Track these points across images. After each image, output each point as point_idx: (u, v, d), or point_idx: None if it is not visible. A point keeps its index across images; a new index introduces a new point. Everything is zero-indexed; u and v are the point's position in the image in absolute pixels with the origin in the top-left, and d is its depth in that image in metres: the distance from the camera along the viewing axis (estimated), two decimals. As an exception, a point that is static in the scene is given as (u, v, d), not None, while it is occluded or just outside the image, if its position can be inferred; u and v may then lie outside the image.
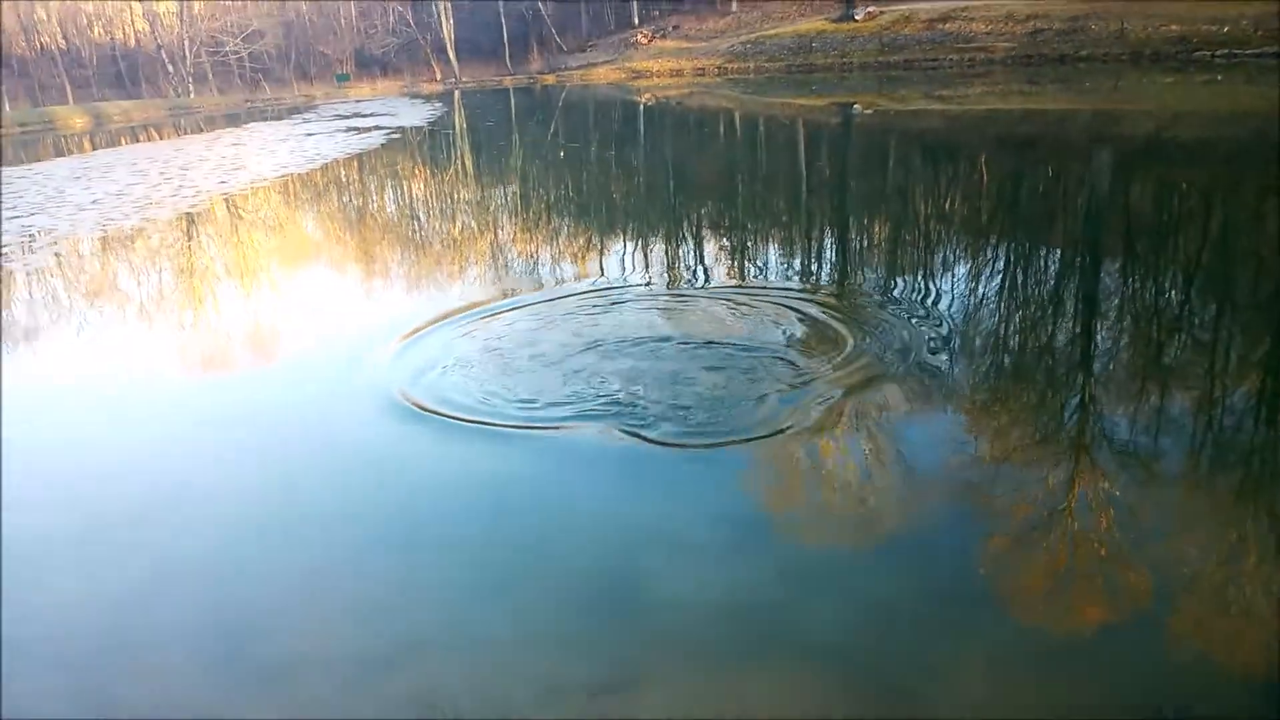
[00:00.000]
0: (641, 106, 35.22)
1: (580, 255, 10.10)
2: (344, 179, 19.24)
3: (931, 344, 6.03)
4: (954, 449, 4.63)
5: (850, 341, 6.11)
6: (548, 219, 13.07)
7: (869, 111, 25.40)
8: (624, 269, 9.06)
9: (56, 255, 12.10)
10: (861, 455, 4.60)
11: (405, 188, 17.43)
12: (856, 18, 46.70)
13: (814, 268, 8.89)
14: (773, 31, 51.93)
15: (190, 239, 12.99)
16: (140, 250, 12.30)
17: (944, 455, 4.58)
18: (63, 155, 29.01)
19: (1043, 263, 8.65)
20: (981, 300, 7.17)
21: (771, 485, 4.46)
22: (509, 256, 10.35)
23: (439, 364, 6.27)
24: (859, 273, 8.61)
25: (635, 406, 5.25)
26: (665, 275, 8.65)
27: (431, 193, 16.64)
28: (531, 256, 10.20)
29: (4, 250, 12.34)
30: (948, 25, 41.01)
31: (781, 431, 4.82)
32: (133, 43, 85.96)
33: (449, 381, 5.90)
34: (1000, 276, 8.01)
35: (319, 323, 8.29)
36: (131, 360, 7.49)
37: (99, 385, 6.90)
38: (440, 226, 13.56)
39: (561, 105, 40.14)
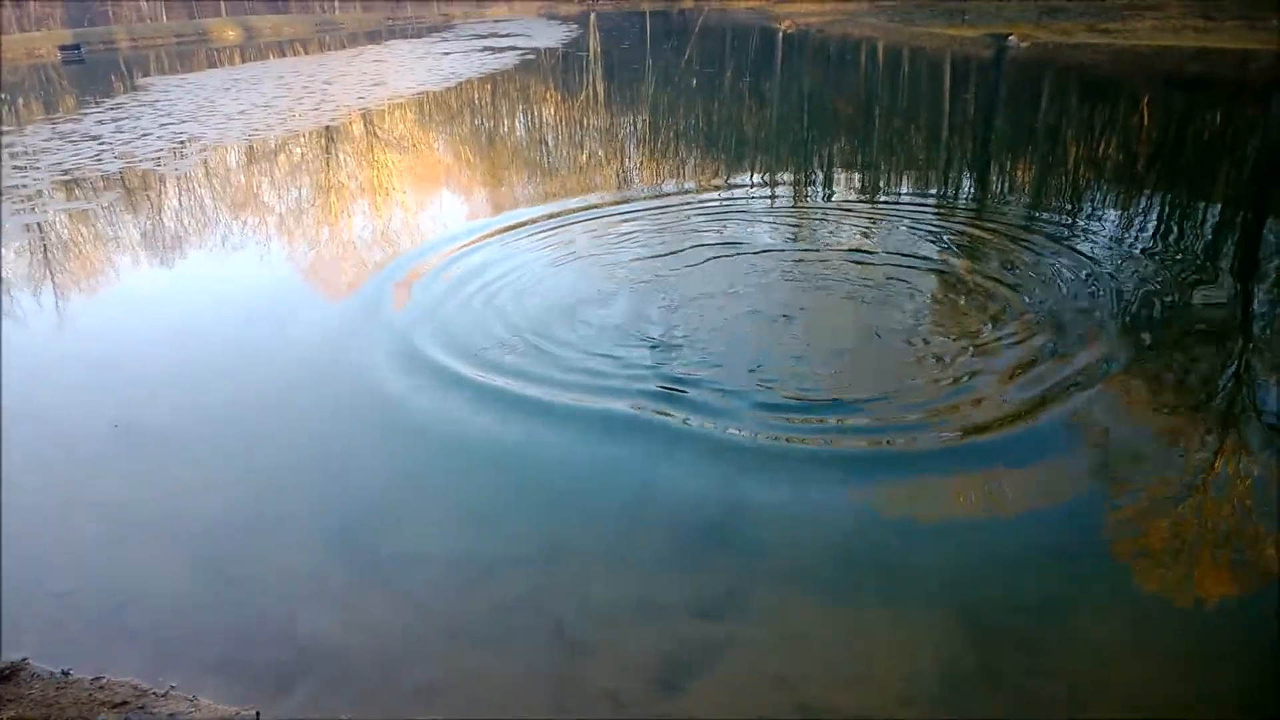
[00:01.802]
0: (780, 34, 33.99)
1: (705, 188, 9.79)
2: (477, 99, 19.34)
3: (1081, 315, 5.50)
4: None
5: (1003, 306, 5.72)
6: (675, 149, 12.78)
7: (1025, 44, 23.72)
8: (747, 219, 8.68)
9: (204, 162, 12.62)
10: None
11: (535, 111, 17.37)
12: (1019, -58, 43.28)
13: (952, 210, 8.34)
14: (926, -44, 48.86)
15: (328, 152, 13.32)
16: (281, 161, 12.70)
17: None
18: (215, 67, 30.18)
19: (1202, 216, 7.88)
20: (1135, 256, 6.57)
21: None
22: (634, 184, 10.15)
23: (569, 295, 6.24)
24: (1001, 217, 8.02)
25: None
26: (791, 227, 8.31)
27: (560, 117, 16.53)
28: (657, 185, 9.98)
29: (157, 155, 12.94)
30: (1121, -48, 37.56)
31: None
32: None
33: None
34: (1155, 229, 7.34)
35: (428, 227, 8.33)
36: (263, 269, 7.73)
37: (230, 290, 7.15)
38: (568, 153, 13.45)
39: (698, 30, 39.20)
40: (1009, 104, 15.42)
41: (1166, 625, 3.00)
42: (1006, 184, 9.68)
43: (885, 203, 8.67)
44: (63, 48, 39.09)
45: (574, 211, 8.81)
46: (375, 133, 15.08)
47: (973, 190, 9.38)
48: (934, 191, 9.23)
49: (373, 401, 4.90)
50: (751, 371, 4.87)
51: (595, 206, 8.99)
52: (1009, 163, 10.76)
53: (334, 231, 9.00)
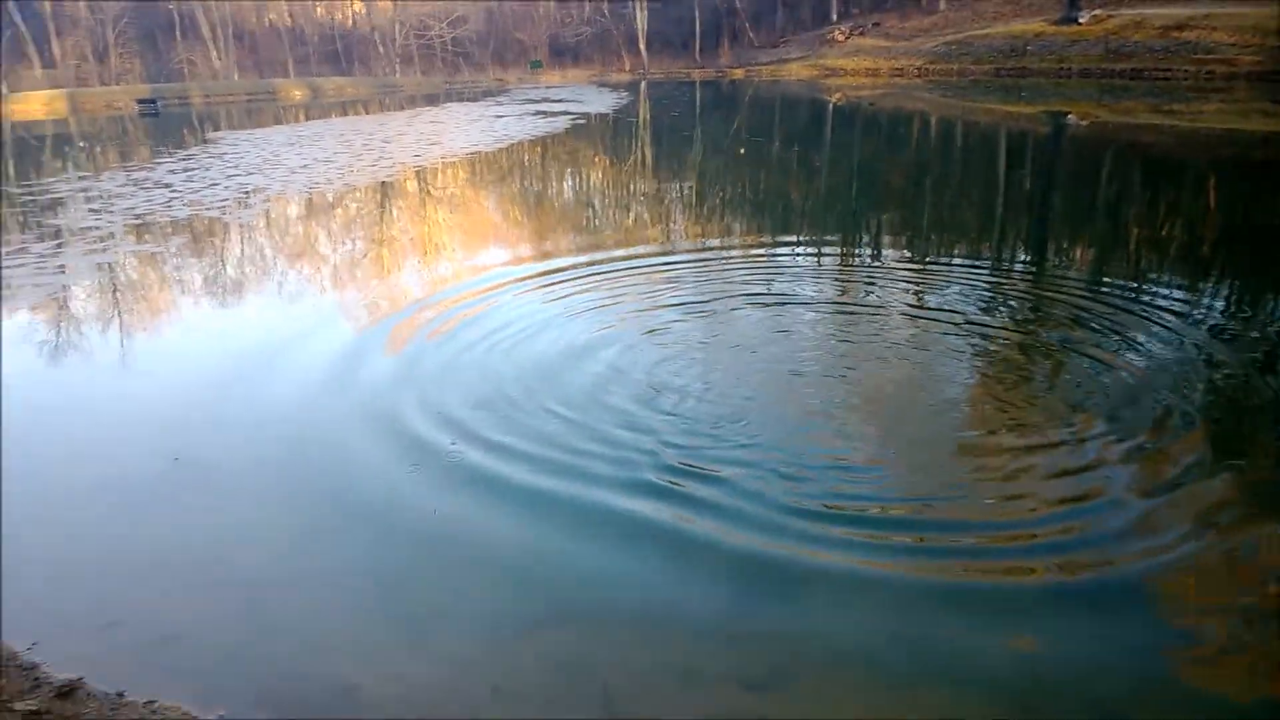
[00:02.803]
0: (831, 106, 34.25)
1: (747, 257, 9.68)
2: (527, 161, 19.63)
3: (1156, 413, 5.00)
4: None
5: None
6: (720, 215, 12.74)
7: (1085, 122, 23.52)
8: (793, 277, 8.55)
9: (265, 213, 12.85)
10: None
11: (585, 173, 17.54)
12: (1080, 20, 42.77)
13: (1004, 296, 8.08)
14: (982, 32, 48.92)
15: (382, 206, 13.52)
16: (338, 213, 12.90)
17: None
18: (281, 124, 31.22)
19: (1272, 308, 7.52)
20: (1200, 349, 6.20)
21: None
22: (678, 244, 10.08)
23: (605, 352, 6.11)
24: (1054, 305, 7.70)
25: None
26: (838, 286, 8.12)
27: (608, 181, 16.66)
28: (700, 243, 9.90)
29: (223, 204, 13.22)
30: (1184, 33, 37.08)
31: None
32: (350, 24, 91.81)
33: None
34: (1220, 318, 6.97)
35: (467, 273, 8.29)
36: (318, 315, 7.73)
37: (287, 334, 7.13)
38: (614, 216, 13.48)
39: (748, 101, 39.70)
40: (1068, 180, 15.22)
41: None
42: (1065, 258, 9.40)
43: (934, 268, 8.46)
44: (140, 101, 40.82)
45: (617, 264, 8.84)
46: (429, 189, 15.31)
47: (1030, 259, 9.13)
48: (988, 260, 9.02)
49: (421, 447, 4.85)
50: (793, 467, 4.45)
51: (640, 260, 8.99)
52: (1067, 237, 10.50)
53: (387, 281, 9.03)
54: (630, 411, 5.13)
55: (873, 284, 7.97)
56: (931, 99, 33.78)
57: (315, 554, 3.99)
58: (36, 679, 3.09)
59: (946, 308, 7.03)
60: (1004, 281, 8.01)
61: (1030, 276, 8.30)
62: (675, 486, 4.27)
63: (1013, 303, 7.25)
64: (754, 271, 8.48)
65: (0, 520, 4.26)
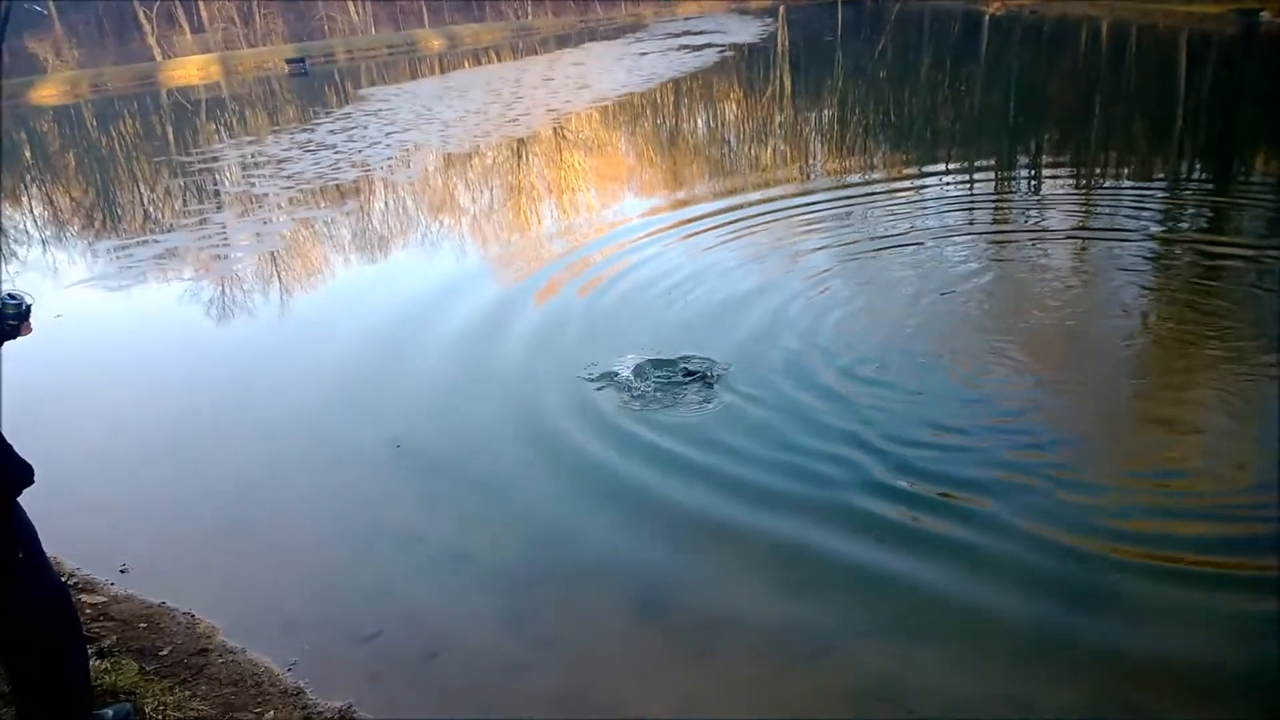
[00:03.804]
0: (986, 18, 32.15)
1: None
2: (685, 98, 19.38)
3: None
4: None
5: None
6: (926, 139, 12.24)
7: None
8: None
9: (433, 168, 13.25)
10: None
11: (749, 107, 17.15)
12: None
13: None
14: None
15: (544, 156, 13.68)
16: (502, 166, 13.15)
17: None
18: (424, 76, 31.83)
19: None
20: None
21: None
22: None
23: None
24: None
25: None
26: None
27: (777, 113, 16.26)
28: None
29: (387, 162, 13.69)
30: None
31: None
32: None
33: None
34: None
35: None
36: (513, 280, 7.92)
37: (479, 302, 7.34)
38: (798, 147, 13.17)
39: (893, 20, 37.72)
40: (1260, 91, 13.78)
41: None
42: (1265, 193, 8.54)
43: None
44: (289, 60, 42.40)
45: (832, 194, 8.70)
46: (588, 135, 15.36)
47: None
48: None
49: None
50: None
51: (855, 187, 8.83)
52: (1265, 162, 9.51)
53: (570, 238, 9.06)
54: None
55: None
56: (1102, 2, 31.12)
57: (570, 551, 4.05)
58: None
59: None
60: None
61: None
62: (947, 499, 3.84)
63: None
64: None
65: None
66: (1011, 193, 8.77)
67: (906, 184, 9.33)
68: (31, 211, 14.03)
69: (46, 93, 36.03)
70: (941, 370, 4.90)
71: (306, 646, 3.33)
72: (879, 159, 11.28)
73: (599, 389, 5.12)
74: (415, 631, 3.41)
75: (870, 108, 16.24)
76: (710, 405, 4.78)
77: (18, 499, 2.40)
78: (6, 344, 2.48)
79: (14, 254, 10.63)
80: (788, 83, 21.10)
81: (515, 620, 3.44)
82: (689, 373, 5.08)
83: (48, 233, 12.08)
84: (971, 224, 7.65)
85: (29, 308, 2.47)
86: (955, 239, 7.17)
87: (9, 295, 2.44)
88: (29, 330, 2.48)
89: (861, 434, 4.31)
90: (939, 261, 6.63)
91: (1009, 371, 4.83)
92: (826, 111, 16.22)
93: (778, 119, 15.72)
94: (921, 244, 7.07)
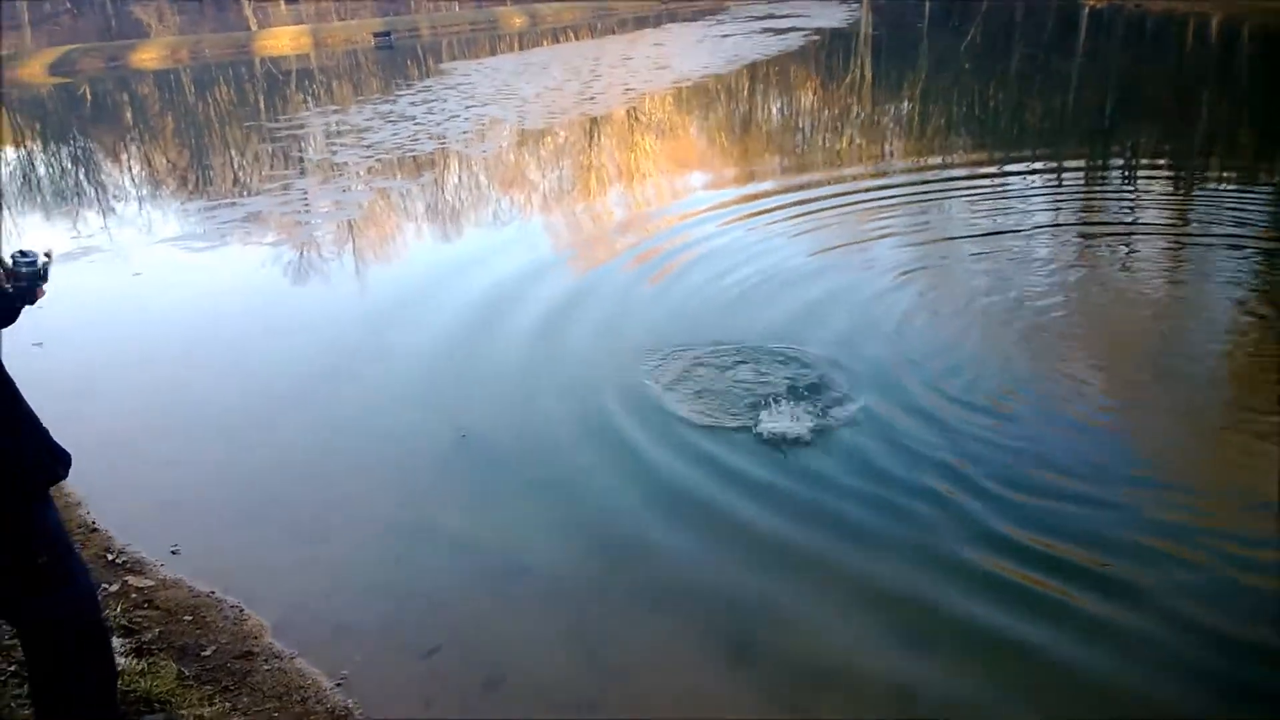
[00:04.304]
0: (1085, 11, 31.05)
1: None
2: (770, 82, 19.22)
3: None
4: None
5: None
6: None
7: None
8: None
9: (502, 144, 13.42)
10: None
11: (834, 93, 16.94)
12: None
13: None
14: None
15: (621, 136, 13.74)
16: (579, 144, 13.25)
17: None
18: (504, 52, 32.08)
19: None
20: None
21: None
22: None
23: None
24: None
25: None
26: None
27: (866, 100, 16.04)
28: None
29: (465, 136, 13.91)
30: None
31: None
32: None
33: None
34: None
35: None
36: (589, 257, 8.03)
37: (554, 284, 7.47)
38: (890, 135, 13.01)
39: (984, 10, 36.66)
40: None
41: None
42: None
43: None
44: (376, 34, 43.17)
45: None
46: (668, 116, 15.37)
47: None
48: None
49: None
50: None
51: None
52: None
53: (644, 225, 9.10)
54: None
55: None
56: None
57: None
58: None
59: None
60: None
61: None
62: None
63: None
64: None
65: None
66: (1127, 190, 8.49)
67: (987, 179, 9.18)
68: (130, 169, 14.65)
69: (147, 56, 37.33)
70: (1059, 398, 4.58)
71: (359, 658, 3.15)
72: (961, 151, 11.07)
73: (671, 391, 4.92)
74: (476, 650, 3.19)
75: (965, 98, 15.87)
76: (795, 421, 4.41)
77: (49, 498, 2.22)
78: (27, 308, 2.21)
79: (111, 209, 11.12)
80: (879, 67, 20.71)
81: (586, 647, 3.20)
82: (770, 385, 4.84)
83: (143, 191, 12.60)
84: (1081, 220, 7.47)
85: (46, 266, 2.20)
86: (1054, 237, 7.00)
87: (19, 252, 2.19)
88: (43, 293, 2.21)
89: (960, 469, 4.00)
90: (1035, 262, 6.43)
91: (1127, 401, 4.51)
92: (922, 104, 15.91)
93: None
94: (1017, 242, 6.87)
